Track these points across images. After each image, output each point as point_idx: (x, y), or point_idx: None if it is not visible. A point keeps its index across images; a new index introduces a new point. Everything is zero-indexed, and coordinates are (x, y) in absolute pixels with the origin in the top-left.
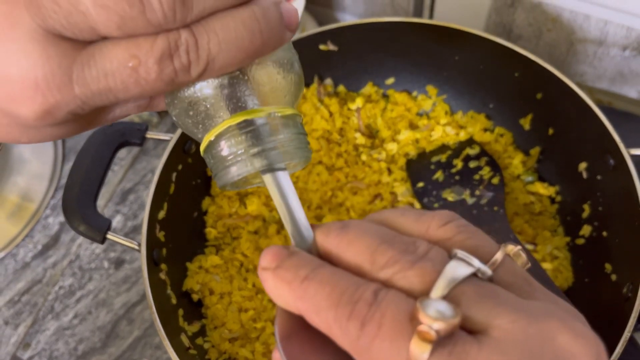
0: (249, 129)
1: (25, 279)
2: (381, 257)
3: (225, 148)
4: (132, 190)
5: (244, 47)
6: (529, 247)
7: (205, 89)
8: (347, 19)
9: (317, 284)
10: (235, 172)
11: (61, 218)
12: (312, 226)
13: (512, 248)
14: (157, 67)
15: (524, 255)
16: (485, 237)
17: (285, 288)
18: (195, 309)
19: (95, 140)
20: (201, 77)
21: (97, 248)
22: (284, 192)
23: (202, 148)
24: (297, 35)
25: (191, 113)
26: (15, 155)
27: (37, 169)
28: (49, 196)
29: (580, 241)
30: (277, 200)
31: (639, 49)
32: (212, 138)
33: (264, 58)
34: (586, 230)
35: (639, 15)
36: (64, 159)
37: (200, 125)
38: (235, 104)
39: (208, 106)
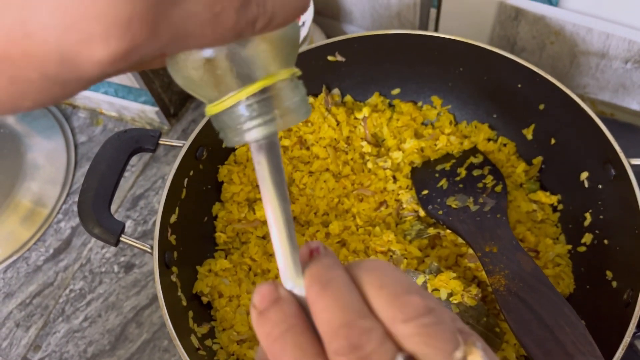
0: (270, 92)
1: (36, 282)
2: (335, 342)
3: (243, 112)
4: (142, 196)
5: (296, 3)
6: (531, 254)
7: (238, 49)
8: (354, 31)
9: (280, 348)
10: (253, 135)
11: (73, 222)
12: (310, 254)
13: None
14: (235, 17)
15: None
16: (446, 342)
17: (261, 336)
18: (204, 311)
19: (110, 146)
20: (262, 30)
21: (108, 252)
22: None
23: (213, 110)
24: (306, 47)
25: (207, 74)
26: (29, 161)
27: (50, 174)
28: (61, 201)
29: (582, 249)
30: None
31: None
32: (233, 103)
33: None
34: (588, 238)
35: None
36: (77, 164)
37: (214, 87)
38: (262, 66)
39: (231, 68)
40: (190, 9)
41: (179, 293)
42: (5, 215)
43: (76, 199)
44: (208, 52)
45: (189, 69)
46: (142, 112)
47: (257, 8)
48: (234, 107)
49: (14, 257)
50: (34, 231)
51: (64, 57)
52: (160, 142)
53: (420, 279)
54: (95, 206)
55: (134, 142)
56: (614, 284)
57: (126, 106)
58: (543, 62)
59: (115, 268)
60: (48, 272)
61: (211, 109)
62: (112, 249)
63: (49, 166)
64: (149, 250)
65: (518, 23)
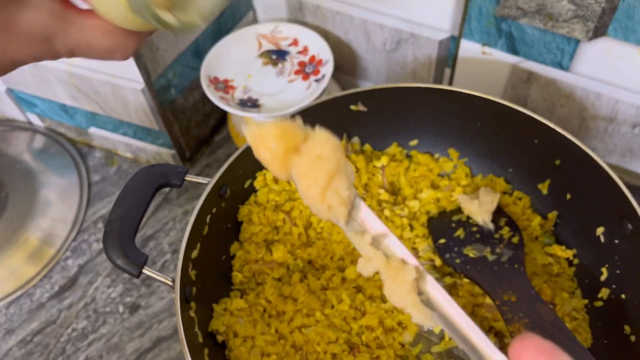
0: None
1: (39, 320)
2: None
3: None
4: (152, 237)
5: None
6: None
7: None
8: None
9: None
10: None
11: (80, 260)
12: None
13: None
14: None
15: None
16: None
17: None
18: (219, 350)
19: (138, 179)
20: None
21: (114, 292)
22: None
23: None
24: (332, 95)
25: None
26: (42, 198)
27: (61, 212)
28: (71, 239)
29: (599, 303)
30: None
31: None
32: None
33: None
34: (604, 293)
35: None
36: (89, 203)
37: None
38: None
39: None
40: None
41: (196, 329)
42: (13, 251)
43: (85, 237)
44: None
45: None
46: (158, 154)
47: None
48: None
49: (18, 293)
50: (39, 268)
51: None
52: (187, 178)
53: (438, 328)
54: (121, 237)
55: (162, 177)
56: (632, 338)
57: (143, 148)
58: (553, 124)
59: (121, 308)
60: (51, 310)
61: None
62: (119, 288)
63: (61, 204)
64: (170, 283)
65: (529, 85)
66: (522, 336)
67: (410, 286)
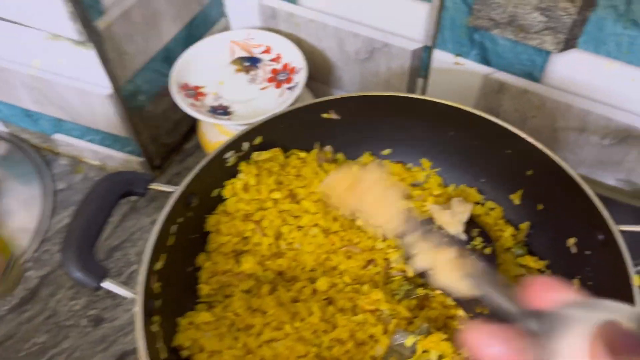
0: None
1: None
2: None
3: None
4: (118, 247)
5: None
6: None
7: None
8: None
9: None
10: None
11: (43, 272)
12: None
13: None
14: None
15: None
16: None
17: None
18: None
19: (100, 187)
20: None
21: (77, 304)
22: None
23: None
24: (304, 102)
25: None
26: (2, 207)
27: (23, 222)
28: (32, 249)
29: None
30: None
31: (618, 139)
32: None
33: None
34: None
35: (618, 107)
36: (53, 212)
37: None
38: None
39: None
40: None
41: (160, 344)
42: None
43: (48, 248)
44: None
45: None
46: (127, 162)
47: None
48: None
49: None
50: None
51: None
52: (151, 186)
53: (410, 340)
54: (80, 248)
55: (126, 185)
56: None
57: (110, 155)
58: (525, 134)
59: (84, 322)
60: (10, 323)
61: None
62: (82, 301)
63: (23, 213)
64: (132, 296)
65: (502, 96)
66: (531, 279)
67: (453, 264)
